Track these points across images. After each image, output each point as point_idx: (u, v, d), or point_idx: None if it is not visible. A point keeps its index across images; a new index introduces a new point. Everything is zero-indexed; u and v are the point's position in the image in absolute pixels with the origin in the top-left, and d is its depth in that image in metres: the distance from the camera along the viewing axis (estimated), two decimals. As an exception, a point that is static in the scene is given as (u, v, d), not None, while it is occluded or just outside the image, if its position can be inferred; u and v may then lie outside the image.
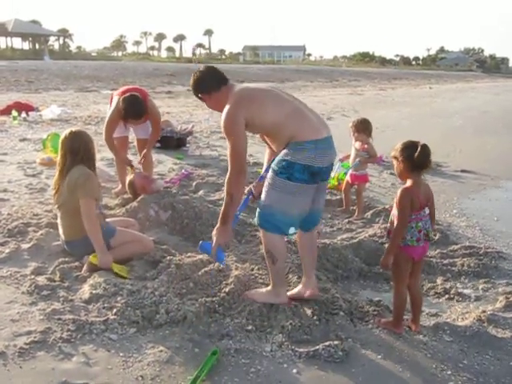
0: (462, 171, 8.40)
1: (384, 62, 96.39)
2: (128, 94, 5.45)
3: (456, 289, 3.95)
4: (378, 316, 3.37)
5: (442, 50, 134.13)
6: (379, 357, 2.95)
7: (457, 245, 4.81)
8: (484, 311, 3.48)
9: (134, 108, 5.37)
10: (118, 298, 3.34)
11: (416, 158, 2.94)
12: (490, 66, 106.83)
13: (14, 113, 11.56)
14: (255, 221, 3.39)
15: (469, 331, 3.21)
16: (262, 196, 3.31)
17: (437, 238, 4.78)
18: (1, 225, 4.63)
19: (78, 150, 3.99)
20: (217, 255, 3.43)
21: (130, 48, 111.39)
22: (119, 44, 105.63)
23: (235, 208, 3.37)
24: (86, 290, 3.50)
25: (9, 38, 59.56)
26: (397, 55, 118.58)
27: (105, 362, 2.78)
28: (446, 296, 3.87)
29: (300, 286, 3.54)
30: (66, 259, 4.02)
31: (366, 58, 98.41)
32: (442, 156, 8.87)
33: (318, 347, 2.94)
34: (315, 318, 3.25)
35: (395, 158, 3.07)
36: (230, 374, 2.73)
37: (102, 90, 21.46)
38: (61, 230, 4.10)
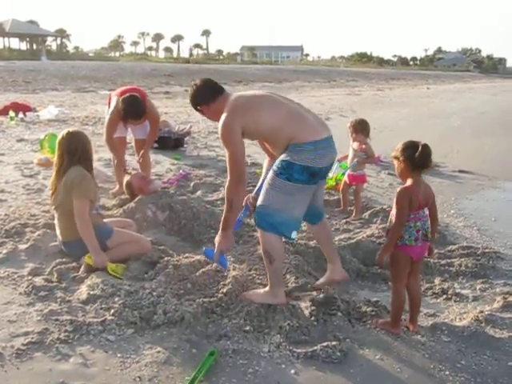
0: (460, 172, 8.41)
1: (382, 62, 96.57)
2: (127, 95, 5.45)
3: (454, 289, 3.96)
4: (375, 316, 3.37)
5: (439, 50, 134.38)
6: (377, 357, 2.95)
7: (454, 245, 4.82)
8: (482, 311, 3.48)
9: (134, 108, 5.37)
10: (116, 299, 3.34)
11: (417, 158, 2.95)
12: (488, 67, 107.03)
13: (12, 113, 11.54)
14: (253, 221, 3.40)
15: (466, 331, 3.21)
16: (261, 196, 3.32)
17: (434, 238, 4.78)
18: (-2, 225, 4.62)
19: (75, 151, 3.98)
20: (220, 261, 3.49)
21: (128, 48, 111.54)
22: (117, 44, 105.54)
23: (236, 214, 3.43)
24: (83, 291, 3.50)
25: (6, 39, 59.55)
26: (394, 55, 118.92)
27: (102, 362, 2.78)
28: (444, 296, 3.87)
29: (328, 273, 3.69)
30: (64, 260, 4.02)
31: (363, 58, 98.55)
32: (439, 156, 8.87)
33: (315, 348, 2.94)
34: (313, 318, 3.24)
35: (396, 158, 3.07)
36: (228, 375, 2.72)
37: (99, 91, 21.43)
38: (58, 231, 4.10)
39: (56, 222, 4.11)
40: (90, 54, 69.13)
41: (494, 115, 18.52)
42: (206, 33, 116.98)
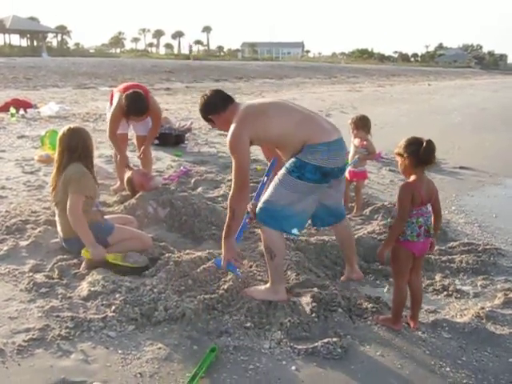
0: (461, 168, 8.41)
1: (383, 58, 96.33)
2: (131, 91, 5.46)
3: (454, 285, 3.95)
4: (376, 313, 3.36)
5: (440, 46, 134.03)
6: (378, 353, 2.95)
7: (455, 241, 4.81)
8: (483, 308, 3.48)
9: (137, 105, 5.38)
10: (117, 296, 3.34)
11: (422, 154, 2.94)
12: (489, 63, 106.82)
13: (12, 110, 11.54)
14: (256, 216, 3.39)
15: (467, 328, 3.21)
16: (268, 191, 3.33)
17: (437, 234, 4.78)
18: (-1, 222, 4.62)
19: (75, 147, 3.98)
20: (230, 269, 3.50)
21: (129, 45, 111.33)
22: (117, 41, 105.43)
23: (238, 223, 3.45)
24: (84, 288, 3.50)
25: (7, 35, 59.49)
26: (395, 52, 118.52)
27: (103, 359, 2.78)
28: (445, 293, 3.87)
29: (346, 274, 3.83)
30: (65, 256, 4.02)
31: (364, 54, 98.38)
32: (440, 153, 8.74)
33: (316, 344, 2.94)
34: (314, 315, 3.24)
35: (399, 154, 3.05)
36: (229, 371, 2.72)
37: (100, 87, 21.43)
38: (59, 228, 4.10)
39: (57, 218, 4.11)
40: (91, 51, 69.07)
41: (495, 111, 18.48)
42: (207, 29, 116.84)
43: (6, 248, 4.11)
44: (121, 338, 2.98)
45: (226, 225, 3.41)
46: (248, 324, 3.14)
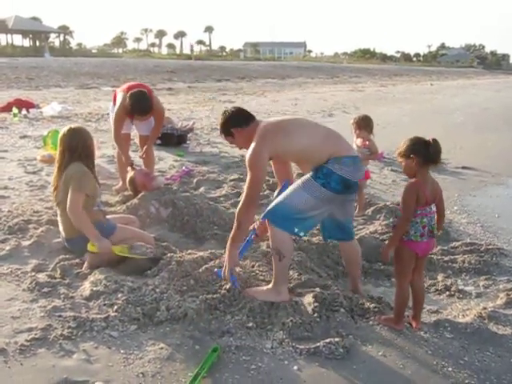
0: (463, 168, 8.40)
1: (385, 58, 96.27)
2: (135, 90, 5.47)
3: (457, 286, 3.95)
4: (378, 313, 3.36)
5: (442, 46, 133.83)
6: (380, 353, 2.95)
7: (458, 241, 4.81)
8: (485, 308, 3.47)
9: (141, 104, 5.39)
10: (119, 295, 3.34)
11: (431, 153, 2.94)
12: (491, 63, 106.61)
13: (15, 110, 11.56)
14: (265, 216, 3.38)
15: (470, 328, 3.20)
16: (287, 194, 3.35)
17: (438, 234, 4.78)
18: (1, 222, 4.63)
19: (76, 147, 3.99)
20: (232, 280, 3.50)
21: (131, 45, 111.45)
22: (120, 41, 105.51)
23: (242, 235, 3.53)
24: (86, 287, 3.51)
25: (9, 35, 59.50)
26: (398, 52, 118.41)
27: (105, 359, 2.78)
28: (447, 293, 3.87)
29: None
30: (67, 256, 4.03)
31: (366, 54, 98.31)
32: (442, 153, 8.80)
33: (318, 344, 2.94)
34: (316, 314, 3.24)
35: (404, 155, 3.02)
36: (231, 371, 2.73)
37: (102, 87, 21.45)
38: (61, 228, 4.10)
39: (58, 218, 4.12)
40: (93, 51, 69.15)
41: (498, 111, 18.45)
42: (209, 29, 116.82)
43: (8, 248, 4.12)
44: (123, 337, 2.99)
45: (231, 234, 3.46)
46: (250, 324, 3.14)
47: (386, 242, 4.50)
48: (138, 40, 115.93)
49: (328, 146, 3.33)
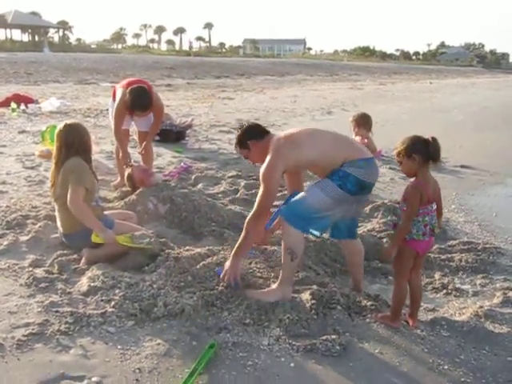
0: (462, 166, 8.39)
1: (384, 56, 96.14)
2: (135, 86, 5.46)
3: (454, 284, 3.96)
4: (375, 311, 3.37)
5: (442, 44, 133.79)
6: (376, 351, 2.95)
7: (455, 240, 4.82)
8: (481, 306, 3.48)
9: (142, 99, 5.38)
10: (116, 291, 3.35)
11: (431, 151, 2.95)
12: (491, 62, 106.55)
13: (13, 105, 11.54)
14: (281, 213, 3.40)
15: (466, 326, 3.21)
16: (305, 194, 3.40)
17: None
18: (-1, 217, 4.63)
19: (72, 143, 3.99)
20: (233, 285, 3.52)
21: (130, 40, 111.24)
22: (119, 36, 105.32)
23: (249, 244, 3.60)
24: (84, 283, 3.51)
25: (8, 30, 59.31)
26: (397, 50, 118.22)
27: (102, 354, 2.79)
28: (444, 291, 3.88)
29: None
30: (65, 252, 4.03)
31: (366, 52, 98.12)
32: (441, 151, 8.81)
33: (315, 341, 2.95)
34: (313, 312, 3.25)
35: (404, 154, 3.00)
36: (228, 368, 2.73)
37: (101, 83, 21.41)
38: (59, 223, 4.10)
39: (57, 214, 4.12)
40: (92, 46, 68.96)
41: (497, 110, 18.46)
42: (209, 25, 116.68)
43: (6, 243, 4.12)
44: (120, 333, 2.99)
45: (238, 243, 3.52)
46: (247, 320, 3.15)
47: (386, 242, 4.54)
48: (137, 36, 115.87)
49: (340, 151, 3.38)
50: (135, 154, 6.47)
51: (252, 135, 3.67)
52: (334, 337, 2.97)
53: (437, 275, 4.11)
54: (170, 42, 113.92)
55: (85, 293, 3.40)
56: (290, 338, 3.01)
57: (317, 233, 3.52)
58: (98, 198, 4.28)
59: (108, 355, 2.78)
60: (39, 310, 3.15)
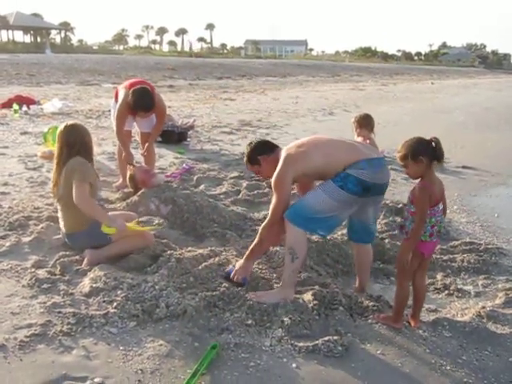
0: (464, 167, 8.38)
1: (386, 57, 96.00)
2: (138, 87, 5.47)
3: (456, 285, 3.96)
4: (377, 311, 3.37)
5: (444, 45, 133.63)
6: (378, 352, 2.95)
7: (457, 241, 4.82)
8: (483, 307, 3.48)
9: (144, 100, 5.38)
10: (119, 292, 3.35)
11: (437, 152, 2.95)
12: (493, 62, 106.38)
13: (15, 106, 11.56)
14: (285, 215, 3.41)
15: (468, 327, 3.21)
16: (308, 195, 3.45)
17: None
18: (2, 218, 4.64)
19: (73, 143, 4.01)
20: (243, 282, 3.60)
21: (132, 42, 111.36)
22: (121, 38, 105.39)
23: (262, 250, 3.75)
24: (86, 284, 3.51)
25: (10, 31, 59.51)
26: (399, 50, 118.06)
27: (105, 355, 2.79)
28: (446, 292, 3.87)
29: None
30: (67, 253, 4.03)
31: (367, 53, 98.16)
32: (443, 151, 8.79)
33: (317, 342, 2.94)
34: (315, 312, 3.25)
35: (412, 157, 2.97)
36: (230, 368, 2.73)
37: (103, 84, 21.44)
38: (61, 223, 4.11)
39: (59, 214, 4.13)
40: (94, 47, 69.03)
41: (499, 110, 18.42)
42: (210, 27, 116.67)
43: (8, 244, 4.13)
44: (122, 334, 3.00)
45: (251, 247, 3.61)
46: (249, 321, 3.15)
47: (388, 243, 4.53)
48: (139, 37, 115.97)
49: (343, 156, 3.39)
50: (137, 155, 6.48)
51: (262, 151, 3.73)
52: (335, 338, 2.97)
53: (439, 276, 4.11)
54: (171, 43, 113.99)
55: (87, 294, 3.40)
56: (292, 338, 3.01)
57: (322, 233, 3.55)
58: (101, 199, 4.28)
59: (110, 356, 2.78)
60: (41, 310, 3.16)
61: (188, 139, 9.39)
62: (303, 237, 3.37)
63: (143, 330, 3.05)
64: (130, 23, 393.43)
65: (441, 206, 3.10)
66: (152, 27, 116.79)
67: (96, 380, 2.57)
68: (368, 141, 5.53)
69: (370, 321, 3.28)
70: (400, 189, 6.55)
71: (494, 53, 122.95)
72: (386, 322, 3.23)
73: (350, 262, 4.16)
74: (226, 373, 2.70)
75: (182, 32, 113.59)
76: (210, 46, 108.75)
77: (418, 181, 3.08)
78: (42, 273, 3.68)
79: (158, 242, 4.22)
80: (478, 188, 7.21)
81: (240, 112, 14.14)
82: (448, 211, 5.80)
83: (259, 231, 3.58)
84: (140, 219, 4.09)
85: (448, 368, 2.84)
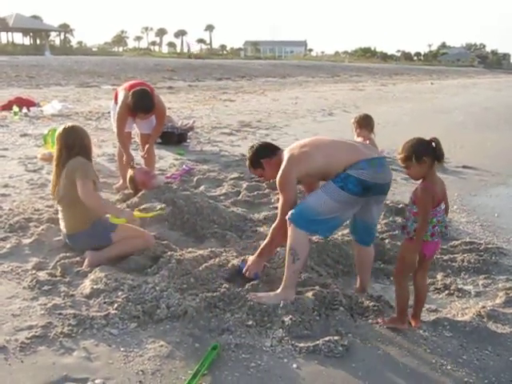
0: (463, 167, 8.38)
1: (385, 57, 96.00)
2: (138, 88, 5.48)
3: (456, 284, 3.96)
4: (377, 311, 3.36)
5: (443, 45, 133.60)
6: (379, 352, 2.96)
7: (457, 240, 4.82)
8: (484, 307, 3.48)
9: (144, 102, 5.39)
10: (119, 293, 3.36)
11: (438, 152, 2.95)
12: (492, 62, 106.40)
13: (15, 108, 11.58)
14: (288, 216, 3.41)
15: (468, 327, 3.21)
16: (309, 197, 3.47)
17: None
18: (2, 220, 4.65)
19: (73, 145, 4.02)
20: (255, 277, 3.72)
21: (131, 43, 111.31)
22: (120, 39, 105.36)
23: (273, 249, 3.83)
24: (87, 285, 3.52)
25: (10, 33, 59.48)
26: (398, 50, 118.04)
27: (105, 356, 2.79)
28: (446, 291, 3.88)
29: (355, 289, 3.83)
30: (67, 254, 4.04)
31: (367, 53, 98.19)
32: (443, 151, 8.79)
33: (318, 342, 2.95)
34: (315, 313, 3.25)
35: (416, 158, 2.97)
36: (231, 369, 2.74)
37: (102, 86, 21.45)
38: (62, 224, 4.12)
39: (60, 215, 4.13)
40: (94, 49, 69.04)
41: (498, 110, 18.42)
42: (210, 28, 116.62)
43: (8, 246, 4.13)
44: (123, 335, 3.00)
45: (262, 246, 3.73)
46: (250, 322, 3.15)
47: (389, 243, 4.54)
48: (138, 38, 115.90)
49: (343, 156, 3.41)
50: (137, 157, 6.48)
51: (264, 154, 3.74)
52: (336, 338, 2.97)
53: (439, 276, 4.11)
54: (171, 45, 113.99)
55: (88, 295, 3.41)
56: (293, 339, 3.01)
57: (324, 234, 3.58)
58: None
59: (111, 357, 2.79)
60: (42, 312, 3.16)
61: (188, 140, 9.40)
62: (305, 238, 3.37)
63: (144, 331, 3.05)
64: (130, 25, 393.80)
65: (443, 206, 3.11)
66: (151, 29, 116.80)
67: (97, 381, 2.57)
68: (368, 141, 5.53)
69: (370, 321, 3.28)
70: (400, 189, 6.56)
71: (494, 53, 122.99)
72: (392, 324, 3.20)
73: (351, 262, 4.16)
74: (227, 373, 2.70)
75: (181, 33, 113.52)
76: (209, 47, 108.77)
77: (419, 181, 3.08)
78: (42, 274, 3.68)
79: (159, 243, 4.23)
80: (478, 188, 7.21)
81: (240, 113, 14.15)
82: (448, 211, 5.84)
83: (270, 231, 3.66)
84: (142, 207, 4.15)
85: (449, 368, 2.84)
